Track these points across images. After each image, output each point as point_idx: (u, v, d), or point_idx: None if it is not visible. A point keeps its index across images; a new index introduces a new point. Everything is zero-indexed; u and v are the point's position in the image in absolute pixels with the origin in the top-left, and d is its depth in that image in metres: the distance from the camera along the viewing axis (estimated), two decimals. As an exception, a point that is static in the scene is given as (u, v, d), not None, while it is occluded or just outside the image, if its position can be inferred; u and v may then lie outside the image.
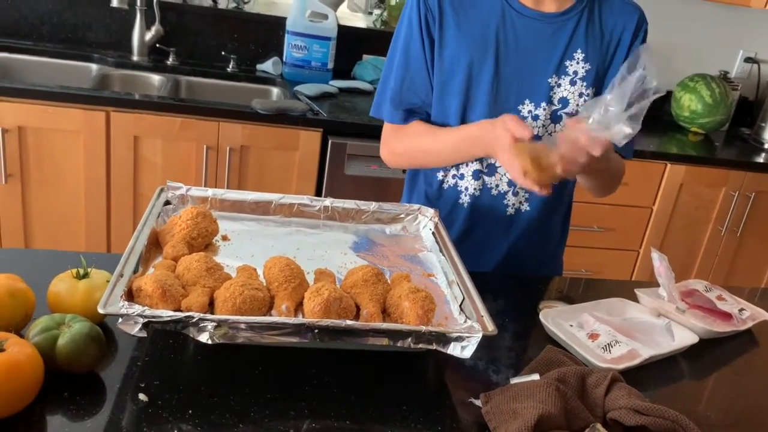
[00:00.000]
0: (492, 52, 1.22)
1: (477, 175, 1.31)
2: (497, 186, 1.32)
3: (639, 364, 1.01)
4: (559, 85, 1.24)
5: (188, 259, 0.95)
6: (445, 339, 0.88)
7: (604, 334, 1.05)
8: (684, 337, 1.09)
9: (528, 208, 1.33)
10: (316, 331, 0.85)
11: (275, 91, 2.61)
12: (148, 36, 2.56)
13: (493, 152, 1.17)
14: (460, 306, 0.98)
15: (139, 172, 2.16)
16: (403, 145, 1.34)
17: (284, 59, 2.64)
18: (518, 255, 1.37)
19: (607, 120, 0.97)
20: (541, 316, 1.09)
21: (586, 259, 2.63)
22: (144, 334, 0.82)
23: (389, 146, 1.36)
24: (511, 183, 1.31)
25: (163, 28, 2.57)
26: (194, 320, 0.82)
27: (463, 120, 1.27)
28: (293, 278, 0.95)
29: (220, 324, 0.83)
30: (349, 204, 1.24)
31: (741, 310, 1.21)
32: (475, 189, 1.32)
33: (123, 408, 0.81)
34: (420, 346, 0.87)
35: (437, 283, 1.07)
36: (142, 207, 2.18)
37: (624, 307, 1.17)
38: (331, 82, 2.61)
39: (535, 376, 0.88)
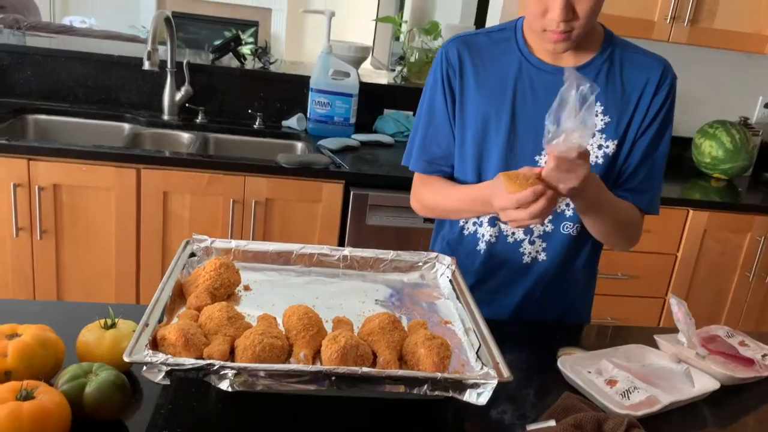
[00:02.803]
0: (508, 105, 1.27)
1: (493, 222, 1.34)
2: (513, 234, 1.34)
3: (658, 410, 1.00)
4: None
5: (211, 308, 0.99)
6: (461, 386, 0.89)
7: (622, 381, 1.04)
8: (705, 384, 1.08)
9: (545, 258, 1.35)
10: (333, 378, 0.87)
11: (299, 145, 2.69)
12: (178, 96, 2.67)
13: (493, 206, 1.14)
14: (477, 353, 0.99)
15: (167, 227, 2.22)
16: (427, 197, 1.39)
17: (308, 115, 2.73)
18: (535, 303, 1.38)
19: (567, 132, 0.99)
20: (559, 363, 1.09)
21: (612, 307, 2.60)
22: (167, 382, 0.84)
23: (417, 196, 1.42)
24: (527, 231, 1.33)
25: (192, 89, 2.68)
26: (215, 368, 0.84)
27: (479, 171, 1.31)
28: (311, 326, 0.97)
29: (240, 372, 0.85)
30: (368, 253, 1.27)
31: (764, 355, 1.19)
32: (491, 236, 1.35)
33: (146, 455, 0.83)
34: (436, 393, 0.89)
35: (454, 330, 1.08)
36: (170, 260, 2.23)
37: (643, 353, 1.17)
38: (353, 136, 2.67)
39: (551, 423, 0.88)
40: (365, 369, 0.88)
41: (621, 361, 1.12)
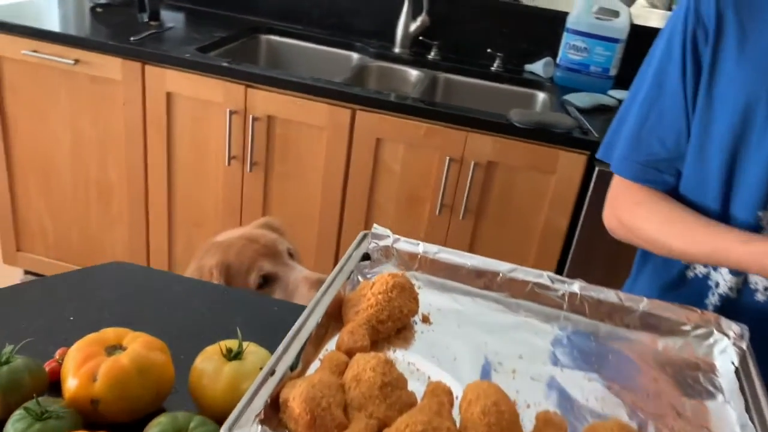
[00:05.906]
0: None
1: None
2: (766, 289, 0.89)
3: None
4: None
5: (363, 361, 0.69)
6: None
7: None
8: None
9: None
10: None
11: (541, 97, 2.26)
12: (413, 27, 2.38)
13: None
14: None
15: (376, 177, 1.98)
16: (633, 220, 0.97)
17: (558, 61, 2.27)
18: None
19: None
20: None
21: None
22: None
23: (616, 212, 1.00)
24: None
25: (429, 19, 2.37)
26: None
27: (728, 189, 0.87)
28: (501, 429, 0.63)
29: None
30: (609, 295, 0.87)
31: None
32: (730, 288, 0.92)
33: None
34: None
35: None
36: (374, 213, 2.01)
37: None
38: (610, 92, 2.17)
39: None
40: None
41: None
